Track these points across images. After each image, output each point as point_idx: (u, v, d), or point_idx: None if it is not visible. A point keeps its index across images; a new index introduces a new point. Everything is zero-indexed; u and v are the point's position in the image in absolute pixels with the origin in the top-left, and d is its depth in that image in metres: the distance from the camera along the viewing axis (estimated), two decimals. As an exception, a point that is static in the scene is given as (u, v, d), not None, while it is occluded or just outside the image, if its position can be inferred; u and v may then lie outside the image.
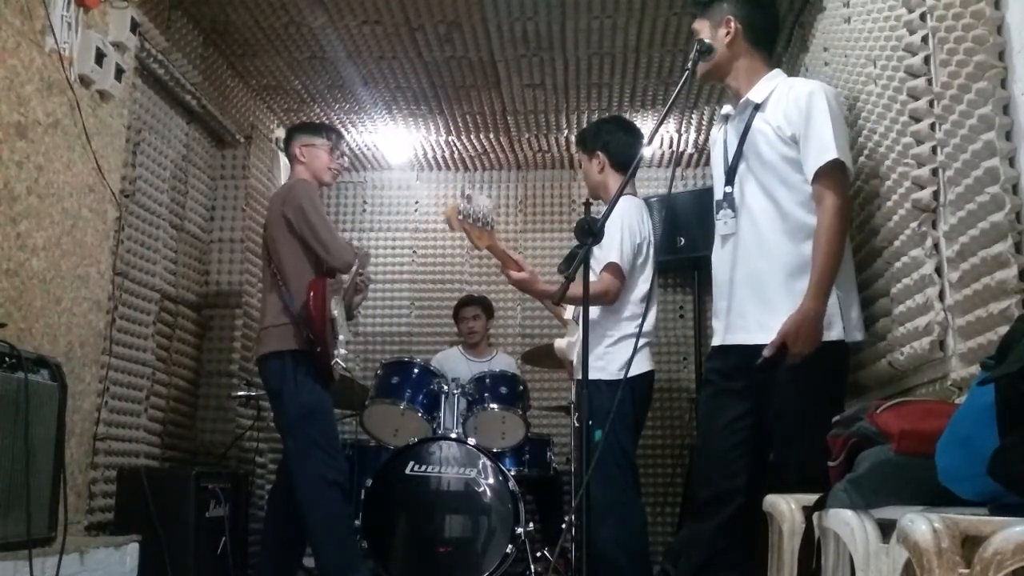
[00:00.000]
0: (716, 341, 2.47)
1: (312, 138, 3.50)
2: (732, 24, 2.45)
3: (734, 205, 2.41)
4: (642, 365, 3.12)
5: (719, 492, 2.38)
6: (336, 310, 3.37)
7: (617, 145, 3.28)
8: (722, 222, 2.44)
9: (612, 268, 3.08)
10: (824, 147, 2.23)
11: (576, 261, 2.38)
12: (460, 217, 3.37)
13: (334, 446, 3.29)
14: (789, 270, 2.28)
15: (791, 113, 2.31)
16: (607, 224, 3.08)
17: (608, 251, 3.09)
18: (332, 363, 3.30)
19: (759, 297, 2.32)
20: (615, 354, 3.06)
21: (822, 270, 2.19)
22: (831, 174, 2.23)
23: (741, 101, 2.46)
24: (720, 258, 2.48)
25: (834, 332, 2.24)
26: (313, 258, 3.31)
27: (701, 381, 2.66)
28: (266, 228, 3.47)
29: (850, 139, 2.46)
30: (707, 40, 2.45)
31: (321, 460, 3.18)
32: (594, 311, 3.11)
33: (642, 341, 3.03)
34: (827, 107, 2.27)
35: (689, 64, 2.38)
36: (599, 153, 3.29)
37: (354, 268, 3.62)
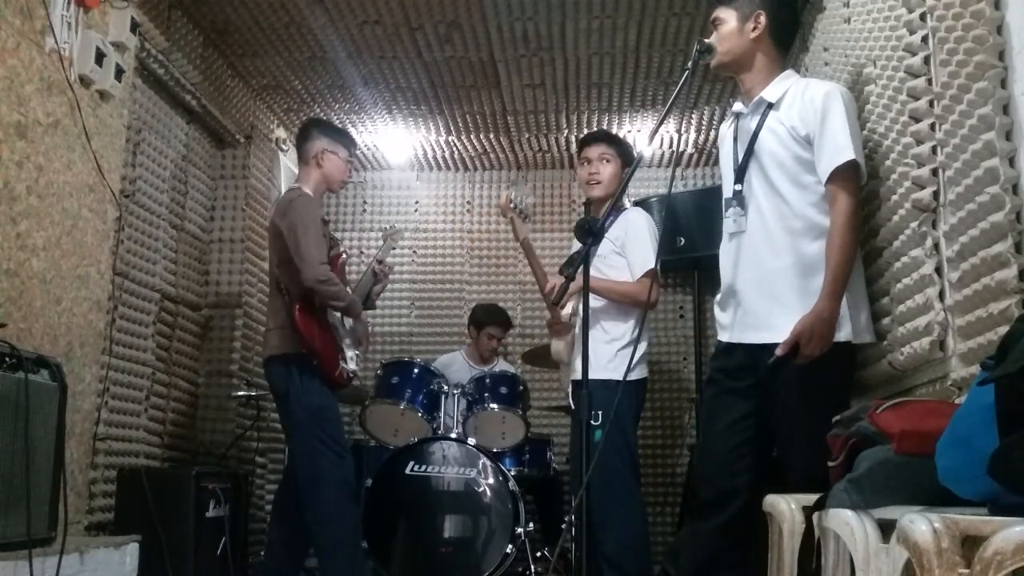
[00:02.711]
0: (723, 338, 2.46)
1: (337, 146, 3.48)
2: (762, 19, 2.43)
3: (744, 203, 2.40)
4: (642, 371, 3.24)
5: (721, 492, 2.38)
6: (336, 316, 3.37)
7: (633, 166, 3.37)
8: (731, 220, 2.43)
9: (652, 274, 3.10)
10: (840, 148, 2.23)
11: (576, 261, 2.39)
12: (512, 205, 3.45)
13: (341, 446, 3.29)
14: (799, 270, 2.28)
15: (807, 114, 2.31)
16: (635, 233, 3.20)
17: (646, 258, 3.17)
18: (338, 372, 3.30)
19: (768, 296, 2.31)
20: (626, 356, 3.11)
21: (836, 271, 2.19)
22: (845, 175, 2.23)
23: (755, 99, 2.44)
24: (728, 256, 2.47)
25: (843, 334, 2.23)
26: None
27: (705, 380, 2.66)
28: (269, 233, 3.48)
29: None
30: (732, 30, 2.43)
31: (329, 460, 3.19)
32: (606, 317, 3.15)
33: (644, 346, 3.19)
34: (843, 108, 2.27)
35: (689, 65, 2.38)
36: (627, 167, 3.35)
37: (376, 255, 3.69)
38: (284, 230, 3.26)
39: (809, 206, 2.30)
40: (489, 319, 4.82)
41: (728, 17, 2.46)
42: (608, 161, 3.34)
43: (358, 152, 5.30)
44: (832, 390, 2.25)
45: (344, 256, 3.63)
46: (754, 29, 2.43)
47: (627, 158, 3.39)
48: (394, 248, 3.81)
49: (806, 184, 2.31)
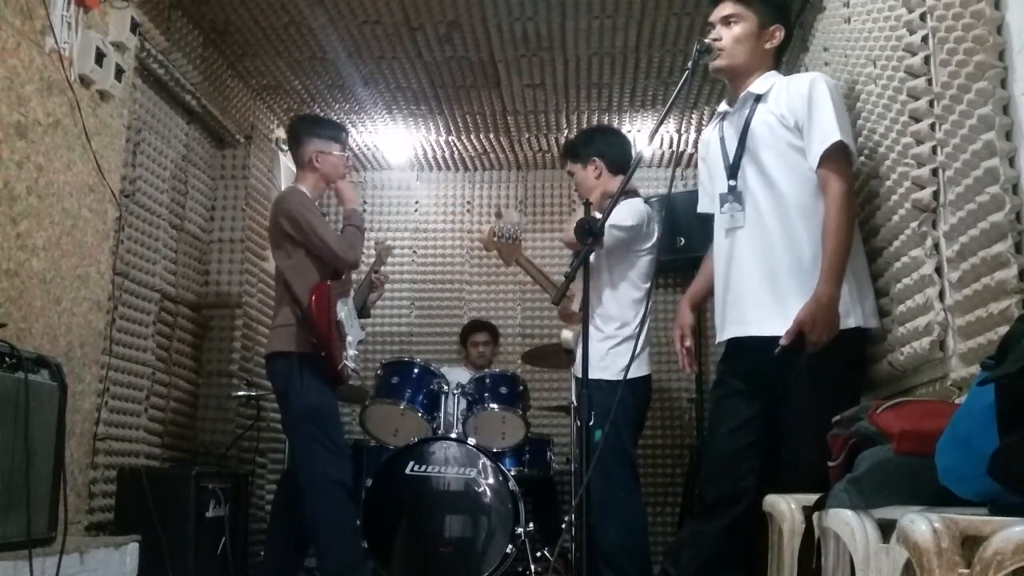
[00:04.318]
0: (726, 335, 2.44)
1: (328, 144, 3.45)
2: (780, 34, 2.46)
3: (741, 198, 2.40)
4: (642, 368, 3.17)
5: (725, 494, 2.37)
6: (342, 312, 3.37)
7: (612, 148, 3.32)
8: (728, 216, 2.42)
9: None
10: (828, 132, 2.24)
11: (576, 261, 2.39)
12: (495, 239, 3.45)
13: (340, 446, 3.30)
14: (801, 260, 2.28)
15: (794, 102, 2.32)
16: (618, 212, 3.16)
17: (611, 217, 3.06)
18: (340, 367, 3.30)
19: (772, 289, 2.31)
20: (618, 355, 3.08)
21: (833, 255, 2.19)
22: (835, 158, 2.24)
23: (741, 95, 2.45)
24: (725, 252, 2.46)
25: (851, 320, 2.23)
26: (317, 262, 3.30)
27: (713, 380, 2.66)
28: (270, 233, 3.48)
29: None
30: (747, 33, 2.42)
31: (326, 460, 3.19)
32: (601, 314, 3.13)
33: (641, 344, 3.08)
34: (828, 93, 2.28)
35: (689, 65, 2.38)
36: (595, 159, 3.31)
37: (372, 265, 3.71)
38: (287, 227, 3.27)
39: (806, 195, 2.30)
40: (473, 327, 4.91)
41: (746, 18, 2.43)
42: (572, 175, 3.37)
43: (358, 152, 5.31)
44: (842, 379, 2.25)
45: None
46: (769, 41, 2.45)
47: (582, 152, 3.34)
48: (384, 264, 3.84)
49: (801, 172, 2.31)
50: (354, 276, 3.83)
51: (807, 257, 2.27)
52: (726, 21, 2.45)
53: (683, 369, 2.76)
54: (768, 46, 2.45)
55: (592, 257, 2.61)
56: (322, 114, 4.74)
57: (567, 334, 3.42)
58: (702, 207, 2.65)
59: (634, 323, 3.12)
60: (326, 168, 3.45)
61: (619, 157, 3.30)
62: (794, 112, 2.31)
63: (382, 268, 3.84)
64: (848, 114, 2.39)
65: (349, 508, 3.31)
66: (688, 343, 2.67)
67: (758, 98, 2.41)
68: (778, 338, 2.20)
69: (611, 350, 3.11)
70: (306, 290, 3.24)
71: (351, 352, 3.40)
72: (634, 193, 3.32)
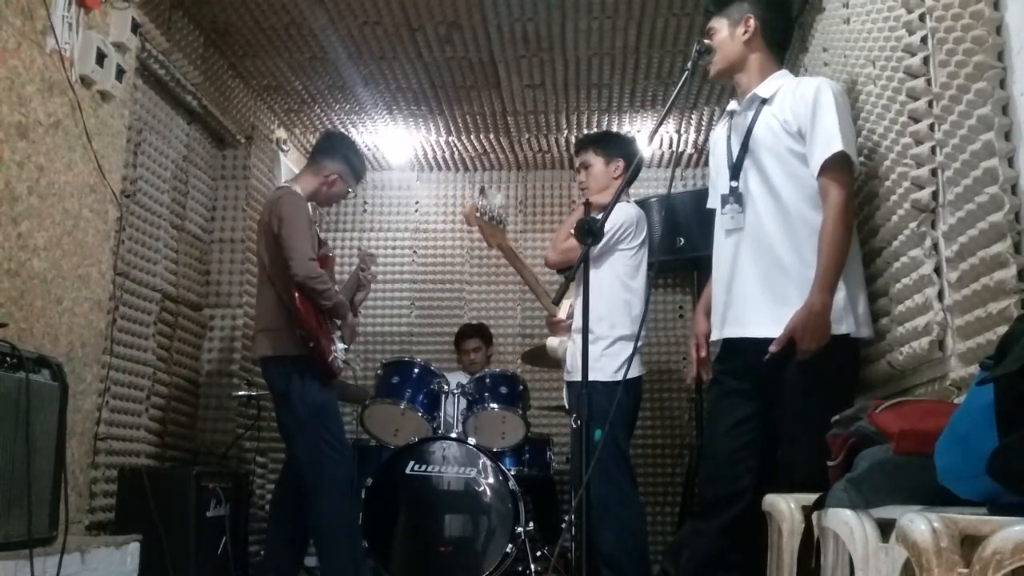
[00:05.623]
0: (724, 335, 2.45)
1: (350, 179, 3.58)
2: (752, 22, 2.47)
3: (741, 200, 2.41)
4: (636, 369, 3.17)
5: (724, 493, 2.38)
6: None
7: (632, 159, 3.33)
8: (728, 216, 2.43)
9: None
10: (830, 140, 2.24)
11: (576, 261, 2.39)
12: (478, 214, 3.46)
13: (344, 444, 3.31)
14: (800, 265, 2.28)
15: (798, 108, 2.33)
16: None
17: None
18: (330, 360, 3.30)
19: (769, 291, 2.31)
20: (611, 356, 3.09)
21: (827, 263, 2.19)
22: (836, 167, 2.24)
23: (748, 96, 2.47)
24: (725, 253, 2.46)
25: (843, 327, 2.24)
26: None
27: (709, 380, 2.66)
28: (258, 231, 3.49)
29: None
30: (724, 37, 2.48)
31: (332, 459, 3.20)
32: (593, 315, 3.12)
33: (633, 345, 3.09)
34: (833, 101, 2.29)
35: (689, 65, 2.39)
36: (620, 160, 3.33)
37: (358, 264, 3.73)
38: (275, 225, 3.27)
39: (805, 200, 2.31)
40: (463, 333, 4.91)
41: (720, 26, 2.51)
42: (588, 166, 3.37)
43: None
44: (834, 385, 2.25)
45: (333, 257, 3.65)
46: (744, 33, 2.48)
47: (611, 149, 3.36)
48: (367, 267, 3.83)
49: (802, 178, 2.32)
50: (338, 276, 3.84)
51: (805, 262, 2.27)
52: (708, 35, 2.54)
53: (691, 378, 2.79)
54: (745, 37, 2.48)
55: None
56: (323, 115, 4.75)
57: (552, 342, 3.42)
58: (711, 203, 2.65)
59: (624, 323, 3.12)
60: (334, 191, 3.54)
61: (637, 169, 3.31)
62: (797, 118, 2.32)
63: (372, 268, 3.83)
64: (852, 120, 2.39)
65: (352, 507, 3.33)
66: (704, 353, 2.67)
67: (764, 101, 2.42)
68: (772, 341, 2.21)
69: (604, 351, 3.10)
70: (290, 285, 3.23)
71: (340, 345, 3.40)
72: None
